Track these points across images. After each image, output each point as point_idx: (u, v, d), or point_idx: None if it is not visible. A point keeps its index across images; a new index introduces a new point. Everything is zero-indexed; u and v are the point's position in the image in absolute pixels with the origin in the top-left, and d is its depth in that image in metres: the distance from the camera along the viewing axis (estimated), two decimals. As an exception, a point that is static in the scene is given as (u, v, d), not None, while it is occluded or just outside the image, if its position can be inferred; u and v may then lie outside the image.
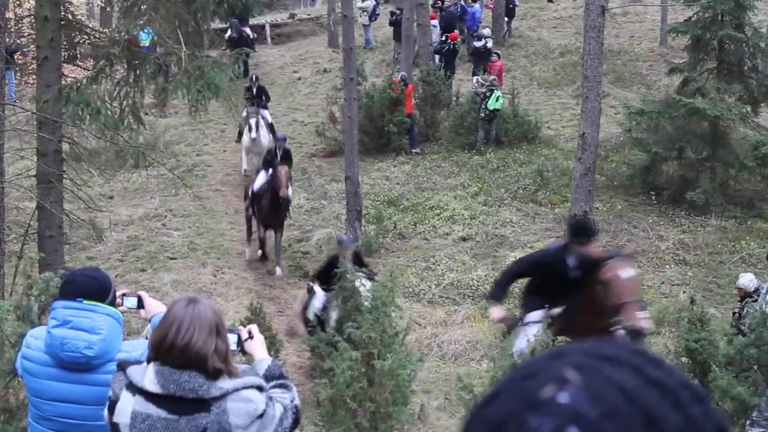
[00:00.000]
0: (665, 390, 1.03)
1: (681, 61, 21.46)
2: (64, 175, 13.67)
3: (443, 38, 26.73)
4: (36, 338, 4.82)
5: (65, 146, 13.94)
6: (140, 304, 5.17)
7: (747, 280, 12.87)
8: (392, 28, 29.42)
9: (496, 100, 22.01)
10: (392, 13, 29.82)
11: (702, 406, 1.05)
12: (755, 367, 8.65)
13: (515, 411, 1.01)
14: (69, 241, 15.93)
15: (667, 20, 27.99)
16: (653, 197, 19.23)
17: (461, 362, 13.61)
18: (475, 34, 27.52)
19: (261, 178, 17.05)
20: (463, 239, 17.93)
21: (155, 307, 5.15)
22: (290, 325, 14.70)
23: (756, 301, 12.08)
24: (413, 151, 22.55)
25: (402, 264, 16.71)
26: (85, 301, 4.67)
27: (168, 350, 3.76)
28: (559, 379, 1.03)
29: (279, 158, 17.35)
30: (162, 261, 17.21)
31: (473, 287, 15.94)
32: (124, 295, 5.08)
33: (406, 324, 10.21)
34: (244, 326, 4.68)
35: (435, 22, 28.11)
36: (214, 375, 3.77)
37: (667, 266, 16.90)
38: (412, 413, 9.71)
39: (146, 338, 5.02)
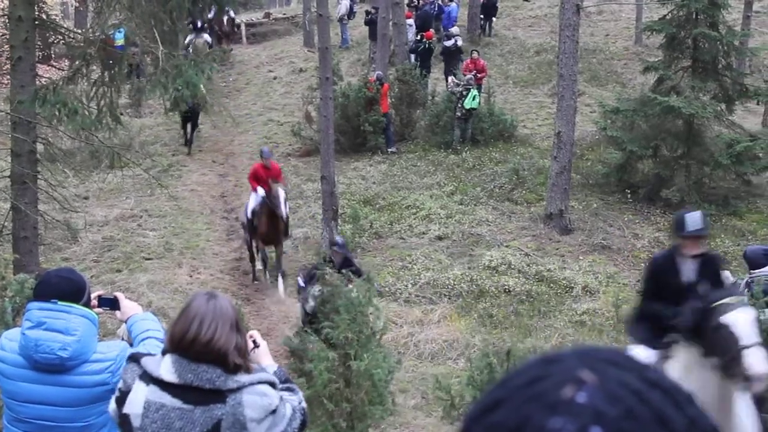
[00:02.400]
0: (665, 391, 1.04)
1: (656, 60, 21.52)
2: (39, 176, 13.60)
3: (419, 37, 26.77)
4: (10, 340, 4.77)
5: (40, 147, 13.87)
6: (116, 306, 5.13)
7: (722, 278, 12.91)
8: (368, 27, 29.43)
9: (473, 99, 22.03)
10: (368, 12, 29.83)
11: (694, 406, 1.06)
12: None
13: (531, 414, 1.00)
14: (44, 242, 15.85)
15: (642, 19, 28.13)
16: (629, 195, 19.31)
17: (438, 361, 13.60)
18: (445, 33, 27.58)
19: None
20: (440, 238, 17.92)
21: (131, 309, 5.12)
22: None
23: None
24: (389, 150, 22.56)
25: (378, 263, 16.69)
26: (59, 303, 4.63)
27: (190, 344, 3.73)
28: (575, 380, 1.02)
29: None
30: (137, 261, 17.12)
31: (449, 286, 15.93)
32: (99, 296, 5.05)
33: (383, 324, 10.18)
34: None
35: (410, 21, 28.16)
36: (234, 371, 3.76)
37: (643, 264, 16.93)
38: (389, 412, 9.71)
39: (122, 339, 4.99)
